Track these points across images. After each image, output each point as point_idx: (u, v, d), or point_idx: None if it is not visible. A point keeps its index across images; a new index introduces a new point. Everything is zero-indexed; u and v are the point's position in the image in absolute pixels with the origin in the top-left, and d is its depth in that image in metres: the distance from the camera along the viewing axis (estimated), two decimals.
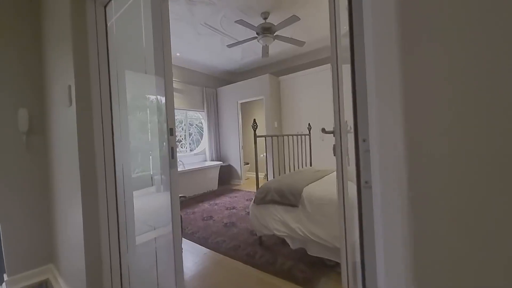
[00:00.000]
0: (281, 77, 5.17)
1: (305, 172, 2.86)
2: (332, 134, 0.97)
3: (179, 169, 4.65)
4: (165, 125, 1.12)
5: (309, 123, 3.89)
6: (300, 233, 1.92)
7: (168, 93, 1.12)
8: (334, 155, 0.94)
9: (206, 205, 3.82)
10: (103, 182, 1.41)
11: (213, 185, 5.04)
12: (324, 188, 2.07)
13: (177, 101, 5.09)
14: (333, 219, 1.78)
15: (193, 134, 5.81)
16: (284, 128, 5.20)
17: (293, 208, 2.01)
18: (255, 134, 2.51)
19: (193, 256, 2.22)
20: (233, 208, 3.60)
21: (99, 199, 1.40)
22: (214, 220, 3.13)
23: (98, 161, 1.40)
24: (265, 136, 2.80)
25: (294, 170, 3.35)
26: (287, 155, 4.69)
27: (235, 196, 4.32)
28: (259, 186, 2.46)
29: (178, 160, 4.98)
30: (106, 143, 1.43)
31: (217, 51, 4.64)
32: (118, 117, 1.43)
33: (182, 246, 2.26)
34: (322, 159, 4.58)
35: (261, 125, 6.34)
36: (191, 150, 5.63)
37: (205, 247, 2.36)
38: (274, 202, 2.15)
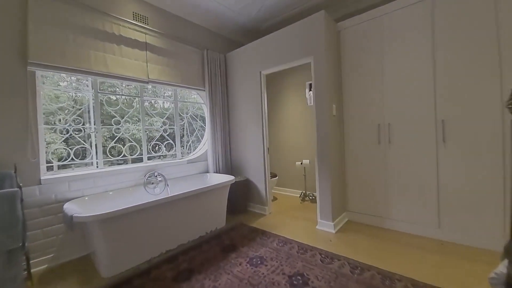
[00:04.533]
0: (341, 23, 2.80)
1: None
2: None
3: (157, 193, 2.45)
4: None
5: None
6: None
7: None
8: None
9: None
10: None
11: (218, 220, 2.79)
12: None
13: (159, 68, 2.87)
14: None
15: (196, 130, 3.59)
16: (348, 117, 2.85)
17: None
18: None
19: None
20: None
21: None
22: None
23: None
24: None
25: None
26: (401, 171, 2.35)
27: (261, 258, 2.06)
28: None
29: (155, 176, 2.75)
30: None
31: None
32: None
33: None
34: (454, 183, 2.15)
35: (299, 111, 4.01)
36: (184, 155, 3.42)
37: None
38: None
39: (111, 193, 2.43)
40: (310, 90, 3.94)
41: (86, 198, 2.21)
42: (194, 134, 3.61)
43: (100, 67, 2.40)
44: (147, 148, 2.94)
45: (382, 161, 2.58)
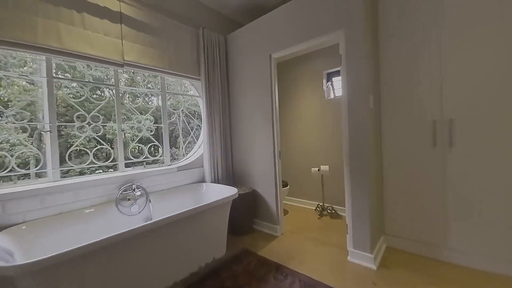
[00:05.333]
0: None
1: None
2: None
3: (134, 213, 1.81)
4: None
5: None
6: None
7: None
8: None
9: None
10: None
11: (216, 248, 2.11)
12: None
13: (138, 48, 2.20)
14: None
15: (192, 132, 2.92)
16: (387, 111, 2.17)
17: None
18: None
19: None
20: None
21: None
22: None
23: None
24: None
25: None
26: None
27: None
28: None
29: (133, 189, 2.01)
30: None
31: None
32: None
33: None
34: None
35: (315, 107, 3.23)
36: (174, 159, 2.75)
37: None
38: None
39: (70, 215, 1.75)
40: (328, 81, 3.27)
41: (24, 227, 1.53)
42: (190, 135, 2.94)
43: (51, 41, 1.72)
44: (124, 152, 2.26)
45: (439, 170, 1.91)
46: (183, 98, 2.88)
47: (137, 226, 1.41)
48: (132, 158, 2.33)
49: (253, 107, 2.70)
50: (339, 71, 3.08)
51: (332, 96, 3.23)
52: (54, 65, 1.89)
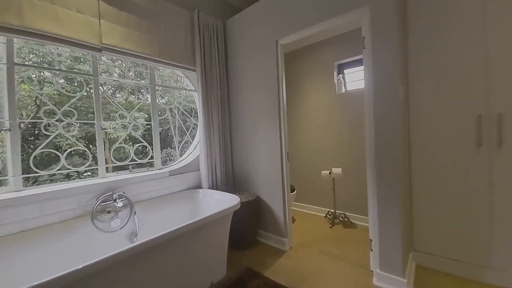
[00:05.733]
0: None
1: None
2: None
3: (115, 228, 1.45)
4: None
5: None
6: None
7: None
8: None
9: None
10: None
11: (215, 269, 1.76)
12: None
13: (121, 31, 1.84)
14: None
15: (187, 132, 2.58)
16: (418, 104, 1.84)
17: None
18: None
19: None
20: None
21: None
22: None
23: None
24: None
25: None
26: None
27: None
28: None
29: (114, 199, 1.66)
30: None
31: None
32: None
33: None
34: None
35: (325, 103, 2.85)
36: (166, 161, 2.41)
37: None
38: None
39: (34, 234, 1.40)
40: (339, 73, 2.93)
41: None
42: (187, 135, 2.59)
43: (10, 17, 1.37)
44: (105, 154, 1.91)
45: (484, 174, 1.58)
46: (178, 93, 2.53)
47: (105, 257, 1.06)
48: (115, 161, 1.98)
49: (257, 102, 2.35)
50: (352, 62, 2.78)
51: (343, 90, 2.90)
52: (21, 50, 1.54)
